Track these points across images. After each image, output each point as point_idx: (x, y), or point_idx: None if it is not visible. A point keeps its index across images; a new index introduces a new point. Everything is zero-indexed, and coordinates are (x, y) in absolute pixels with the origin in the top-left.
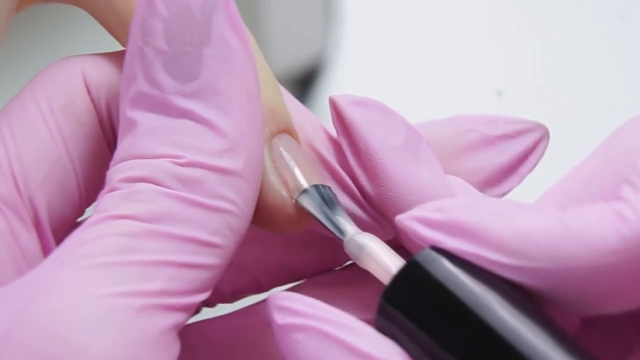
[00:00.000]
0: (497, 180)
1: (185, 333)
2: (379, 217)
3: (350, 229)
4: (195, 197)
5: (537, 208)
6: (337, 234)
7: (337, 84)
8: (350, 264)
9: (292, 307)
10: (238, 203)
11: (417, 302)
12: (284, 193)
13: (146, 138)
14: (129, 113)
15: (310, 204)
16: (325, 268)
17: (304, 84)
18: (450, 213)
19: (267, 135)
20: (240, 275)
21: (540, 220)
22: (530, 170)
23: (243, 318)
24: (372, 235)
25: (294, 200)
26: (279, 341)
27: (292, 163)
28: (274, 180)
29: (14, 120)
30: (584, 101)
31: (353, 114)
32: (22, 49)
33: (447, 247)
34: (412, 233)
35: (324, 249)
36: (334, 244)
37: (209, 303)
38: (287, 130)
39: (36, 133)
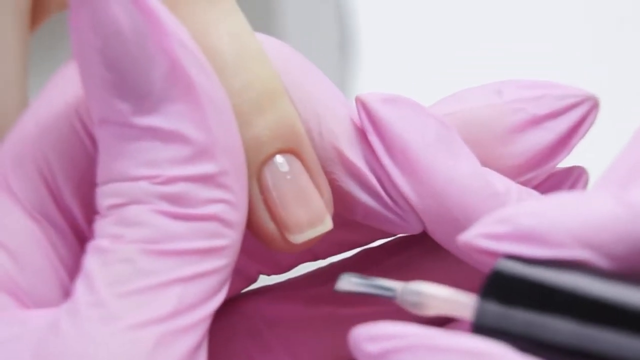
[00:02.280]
0: (545, 158)
1: (244, 310)
2: (404, 214)
3: (391, 283)
4: (183, 211)
5: (600, 195)
6: (384, 292)
7: None
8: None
9: (385, 332)
10: (228, 199)
11: (512, 310)
12: (272, 227)
13: (119, 162)
14: (98, 135)
15: (347, 284)
16: (375, 238)
17: None
18: (514, 222)
19: (262, 160)
20: (301, 252)
21: (607, 208)
22: (579, 142)
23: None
24: (416, 281)
25: (284, 237)
26: None
27: (282, 201)
28: (261, 214)
29: (41, 121)
30: None
31: (384, 112)
32: (55, 49)
33: (519, 255)
34: (480, 250)
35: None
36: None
37: (265, 273)
38: (292, 149)
39: (66, 137)
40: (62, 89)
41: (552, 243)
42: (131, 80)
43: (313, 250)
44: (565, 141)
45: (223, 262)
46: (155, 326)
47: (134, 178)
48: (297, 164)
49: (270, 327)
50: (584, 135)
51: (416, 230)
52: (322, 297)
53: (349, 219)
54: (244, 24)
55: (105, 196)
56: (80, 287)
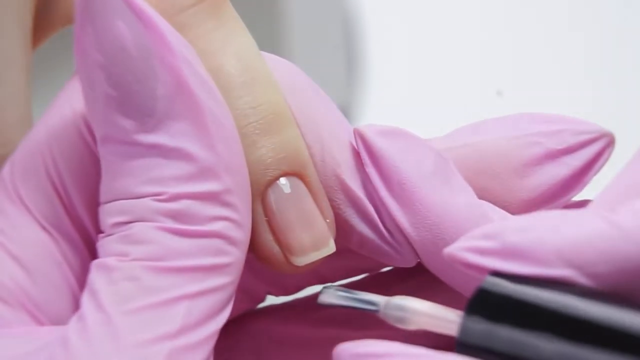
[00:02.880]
0: (559, 192)
1: (249, 330)
2: (399, 246)
3: (375, 297)
4: (187, 228)
5: (587, 214)
6: (367, 306)
7: None
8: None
9: (370, 350)
10: (231, 217)
11: (497, 327)
12: (276, 250)
13: (122, 180)
14: (101, 152)
15: (329, 297)
16: (382, 266)
17: None
18: (501, 238)
19: (267, 182)
20: (307, 273)
21: (594, 227)
22: (593, 177)
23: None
24: (399, 296)
25: (287, 259)
26: None
27: (286, 224)
28: (265, 236)
29: (52, 134)
30: (584, 101)
31: (382, 144)
32: (59, 57)
33: (505, 272)
34: (466, 264)
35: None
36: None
37: (272, 294)
38: (297, 172)
39: (78, 149)
40: (73, 101)
41: (537, 260)
42: (135, 97)
43: (321, 274)
44: (579, 177)
45: (227, 279)
46: (162, 343)
47: (138, 195)
48: (302, 187)
49: (276, 348)
50: (598, 171)
51: (409, 263)
52: (329, 319)
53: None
54: (251, 45)
55: (109, 214)
56: (87, 304)
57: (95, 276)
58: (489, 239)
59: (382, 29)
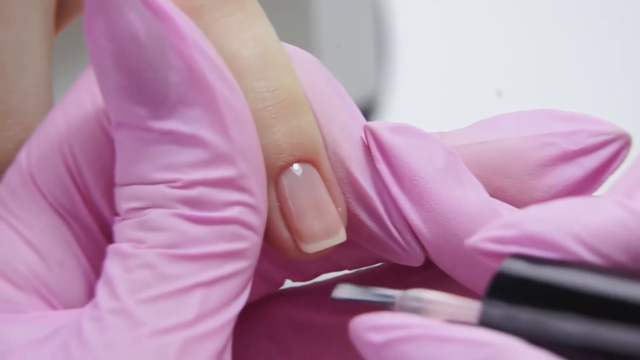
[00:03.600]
0: (573, 193)
1: (267, 314)
2: (406, 245)
3: (390, 291)
4: (203, 214)
5: (606, 202)
6: (383, 299)
7: None
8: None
9: (389, 322)
10: (247, 201)
11: (517, 310)
12: (287, 236)
13: (137, 165)
14: (115, 137)
15: (344, 292)
16: None
17: None
18: (520, 227)
19: (280, 166)
20: (325, 260)
21: (612, 214)
22: (608, 178)
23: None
24: (415, 289)
25: (298, 246)
26: None
27: (299, 210)
28: (276, 222)
29: (71, 121)
30: (584, 101)
31: (393, 141)
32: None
33: (523, 254)
34: (487, 253)
35: None
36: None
37: (290, 278)
38: (311, 159)
39: (95, 136)
40: (91, 88)
41: (556, 247)
42: (148, 85)
43: (338, 262)
44: (594, 178)
45: (244, 264)
46: (179, 332)
47: (153, 182)
48: (315, 174)
49: (294, 333)
50: (613, 172)
51: (416, 262)
52: (349, 307)
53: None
54: (269, 29)
55: (124, 199)
56: (102, 292)
57: (111, 263)
58: (508, 228)
59: (411, 19)
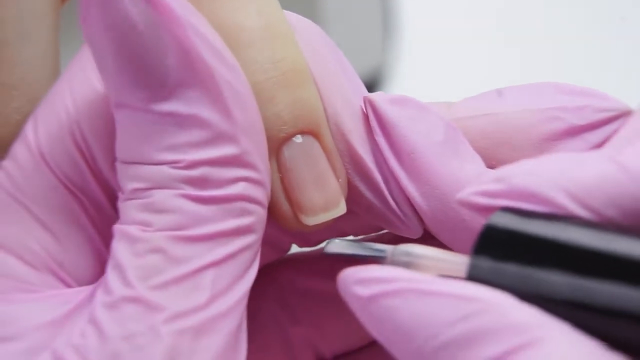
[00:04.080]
0: None
1: (274, 279)
2: (404, 217)
3: (382, 245)
4: (208, 193)
5: (595, 156)
6: (374, 254)
7: None
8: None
9: (377, 276)
10: (251, 177)
11: (505, 264)
12: (287, 207)
13: (140, 145)
14: (116, 116)
15: (336, 247)
16: None
17: None
18: (510, 181)
19: (282, 138)
20: (329, 227)
21: (601, 168)
22: None
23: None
24: (406, 243)
25: (297, 217)
26: (366, 316)
27: (299, 183)
28: (277, 193)
29: (78, 96)
30: None
31: (392, 113)
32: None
33: (513, 207)
34: (476, 206)
35: None
36: None
37: (297, 244)
38: (313, 131)
39: (104, 112)
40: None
41: (546, 201)
42: (146, 70)
43: (343, 230)
44: None
45: (252, 238)
46: (194, 315)
47: (156, 162)
48: (317, 146)
49: (301, 300)
50: None
51: (415, 234)
52: None
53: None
54: (273, 2)
55: (128, 178)
56: (112, 277)
57: (119, 246)
58: (498, 182)
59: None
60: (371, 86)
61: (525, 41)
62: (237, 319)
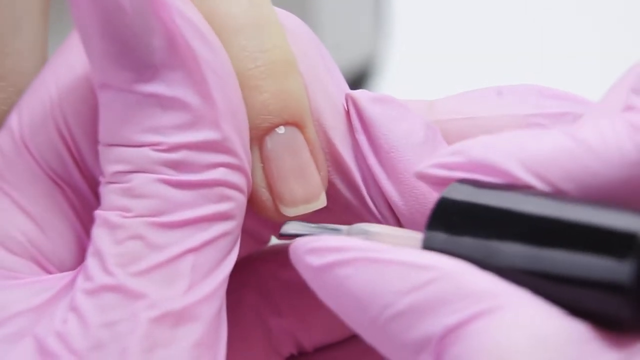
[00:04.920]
0: None
1: (254, 271)
2: (381, 217)
3: (337, 225)
4: (187, 178)
5: (553, 131)
6: (331, 233)
7: (387, 88)
8: None
9: (329, 245)
10: (231, 163)
11: (460, 236)
12: (267, 197)
13: (122, 127)
14: (100, 97)
15: (292, 227)
16: None
17: (353, 88)
18: (467, 153)
19: (266, 127)
20: (309, 221)
21: (558, 142)
22: None
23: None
24: (362, 223)
25: (277, 208)
26: (319, 286)
27: (281, 174)
28: (258, 183)
29: (62, 85)
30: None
31: (374, 111)
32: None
33: (468, 179)
34: (434, 179)
35: None
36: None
37: (276, 235)
38: (297, 122)
39: (87, 101)
40: (80, 50)
41: (502, 173)
42: (132, 51)
43: (322, 222)
44: None
45: (232, 225)
46: (174, 301)
47: (137, 144)
48: (300, 137)
49: (283, 291)
50: None
51: None
52: None
53: None
54: (287, 44)
55: (109, 161)
56: (92, 263)
57: (99, 233)
58: (455, 154)
59: None
60: (362, 76)
61: (516, 32)
62: (216, 305)
